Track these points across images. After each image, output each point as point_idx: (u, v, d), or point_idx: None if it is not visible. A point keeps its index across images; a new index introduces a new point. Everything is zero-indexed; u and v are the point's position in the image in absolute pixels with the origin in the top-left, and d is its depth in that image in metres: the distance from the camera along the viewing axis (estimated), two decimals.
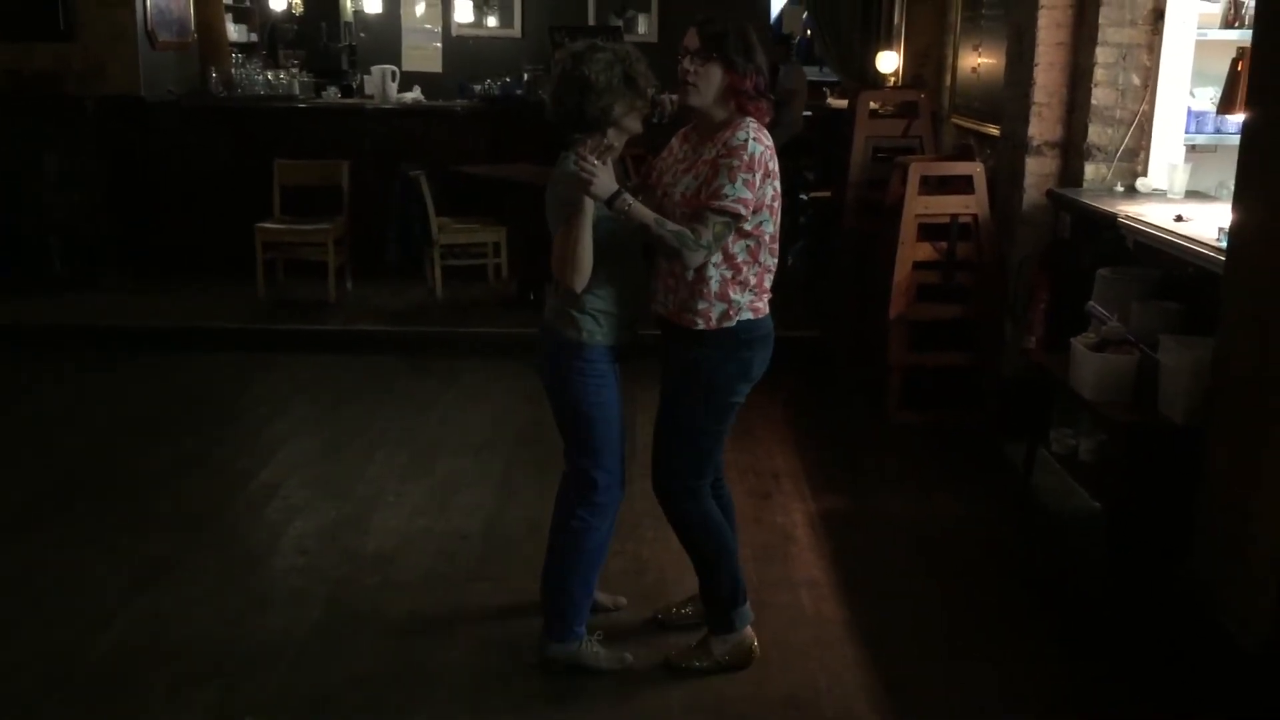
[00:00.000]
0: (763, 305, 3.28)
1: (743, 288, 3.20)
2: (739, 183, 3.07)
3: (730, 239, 3.14)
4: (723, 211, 3.06)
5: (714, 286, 3.17)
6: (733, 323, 3.20)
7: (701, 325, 3.19)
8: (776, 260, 3.27)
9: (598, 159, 3.04)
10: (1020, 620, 3.79)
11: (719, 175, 3.08)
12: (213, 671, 3.38)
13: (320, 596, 3.85)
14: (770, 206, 3.16)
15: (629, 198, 3.07)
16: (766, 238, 3.20)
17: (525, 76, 8.95)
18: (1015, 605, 3.89)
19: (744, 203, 3.07)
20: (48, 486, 4.76)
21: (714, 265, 3.15)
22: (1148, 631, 3.69)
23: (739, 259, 3.17)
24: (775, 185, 3.17)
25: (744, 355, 3.25)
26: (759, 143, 3.12)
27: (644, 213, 3.09)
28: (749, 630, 3.50)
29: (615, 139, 3.20)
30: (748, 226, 3.14)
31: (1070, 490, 4.66)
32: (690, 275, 3.16)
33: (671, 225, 3.08)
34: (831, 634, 3.66)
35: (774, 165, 3.15)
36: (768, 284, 3.27)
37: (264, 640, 3.57)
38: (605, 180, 3.03)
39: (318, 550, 4.19)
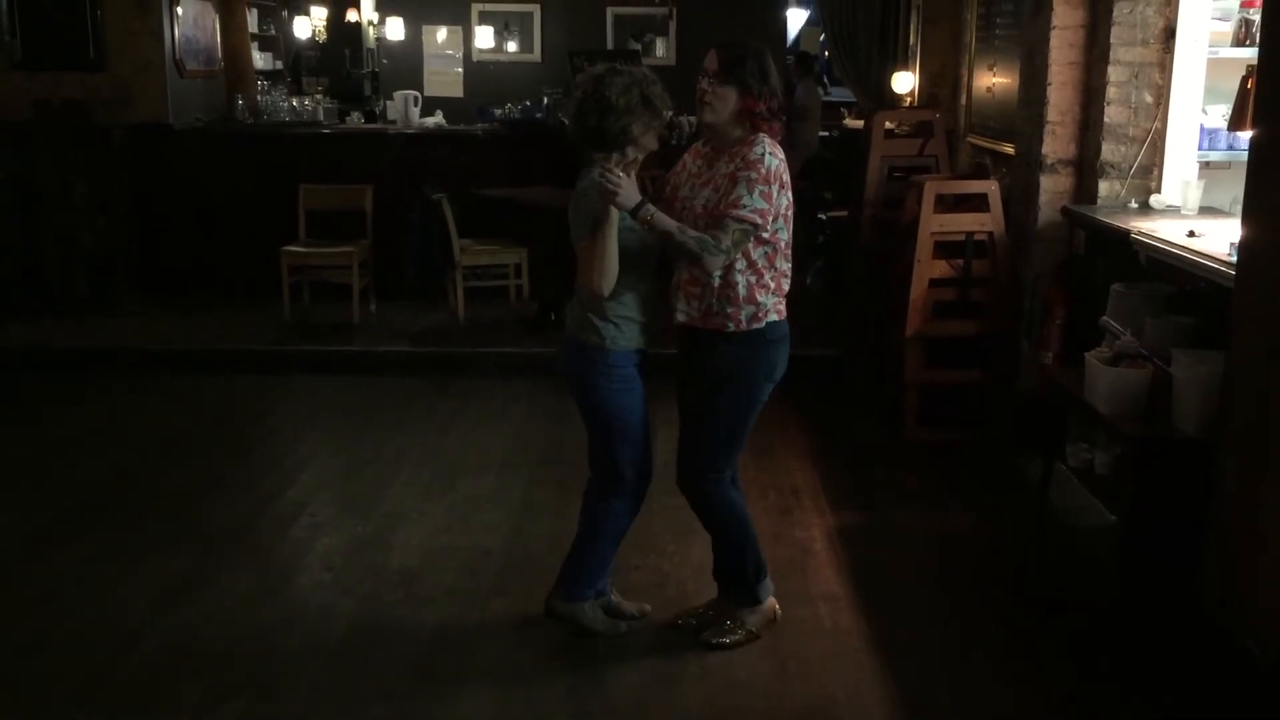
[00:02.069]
0: (783, 308, 3.52)
1: (766, 290, 3.43)
2: (756, 194, 3.31)
3: (751, 245, 3.36)
4: (741, 220, 3.30)
5: (742, 291, 3.40)
6: (761, 324, 3.43)
7: (733, 328, 3.42)
8: (790, 265, 3.50)
9: (622, 172, 3.28)
10: (1033, 634, 3.82)
11: (737, 186, 3.32)
12: (241, 685, 3.45)
13: (345, 611, 3.92)
14: (785, 215, 3.41)
15: (652, 207, 3.30)
16: (782, 244, 3.44)
17: (545, 100, 9.05)
18: (1029, 619, 3.92)
19: (761, 213, 3.32)
20: (76, 505, 4.85)
21: (739, 272, 3.38)
22: (1160, 645, 3.71)
23: (760, 264, 3.41)
24: (789, 196, 3.41)
25: (769, 354, 3.48)
26: (774, 156, 3.36)
27: (666, 221, 3.32)
28: (771, 600, 3.76)
29: (634, 155, 3.41)
30: (765, 234, 3.37)
31: (1086, 505, 4.68)
32: (716, 282, 3.38)
33: (693, 232, 3.32)
34: (848, 646, 3.70)
35: (787, 177, 3.40)
36: (785, 287, 3.51)
37: (291, 654, 3.64)
38: (630, 191, 3.26)
39: (343, 566, 4.26)
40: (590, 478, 3.69)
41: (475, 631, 3.79)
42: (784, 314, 3.52)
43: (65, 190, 7.78)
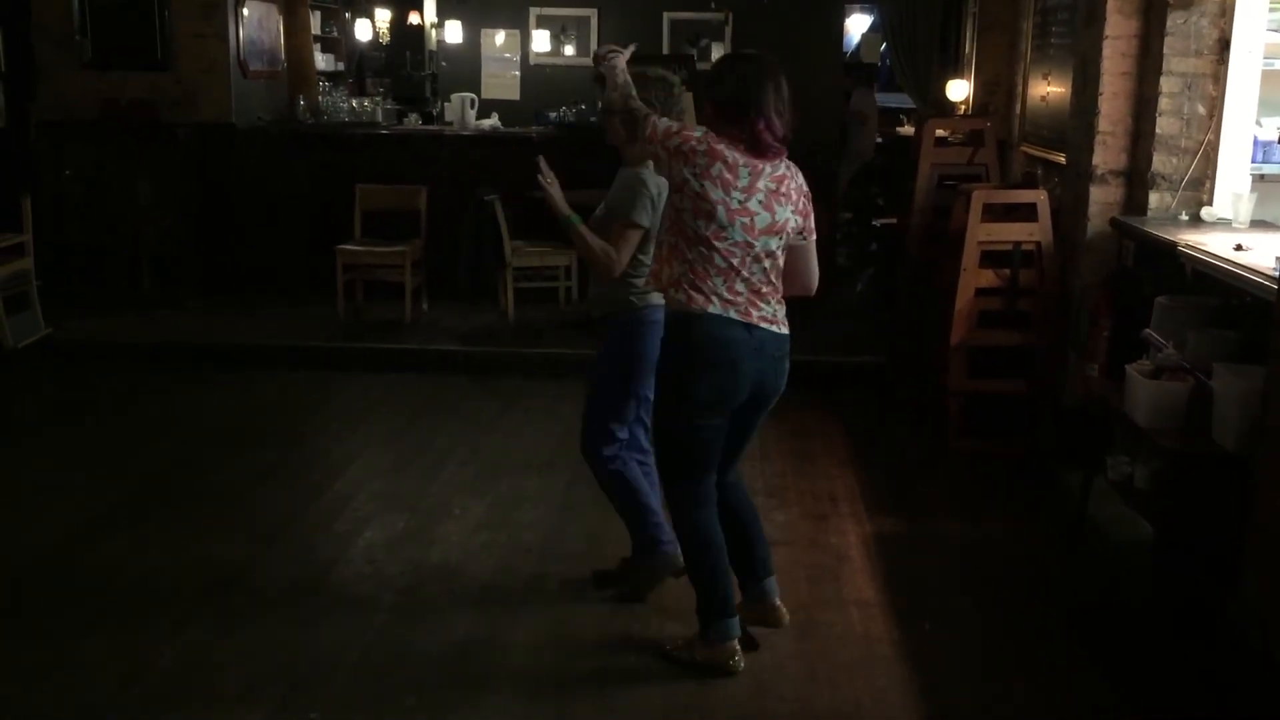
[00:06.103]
0: (705, 299, 3.30)
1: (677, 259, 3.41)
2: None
3: (665, 211, 3.51)
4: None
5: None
6: (654, 291, 3.61)
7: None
8: (725, 267, 3.29)
9: None
10: (1065, 647, 3.81)
11: None
12: (281, 672, 3.55)
13: (385, 604, 4.00)
14: (688, 194, 3.30)
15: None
16: (690, 231, 3.31)
17: (600, 104, 9.09)
18: (1061, 630, 3.91)
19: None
20: (132, 493, 4.99)
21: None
22: (1192, 659, 3.69)
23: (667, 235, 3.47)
24: (696, 182, 3.29)
25: (675, 360, 3.41)
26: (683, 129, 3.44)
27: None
28: (729, 645, 3.53)
29: None
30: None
31: (1126, 519, 4.64)
32: None
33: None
34: (878, 653, 3.72)
35: (698, 159, 3.30)
36: (714, 283, 3.30)
37: (330, 644, 3.72)
38: None
39: (384, 560, 4.35)
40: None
41: (510, 627, 3.85)
42: (699, 304, 3.30)
43: (131, 188, 7.98)
